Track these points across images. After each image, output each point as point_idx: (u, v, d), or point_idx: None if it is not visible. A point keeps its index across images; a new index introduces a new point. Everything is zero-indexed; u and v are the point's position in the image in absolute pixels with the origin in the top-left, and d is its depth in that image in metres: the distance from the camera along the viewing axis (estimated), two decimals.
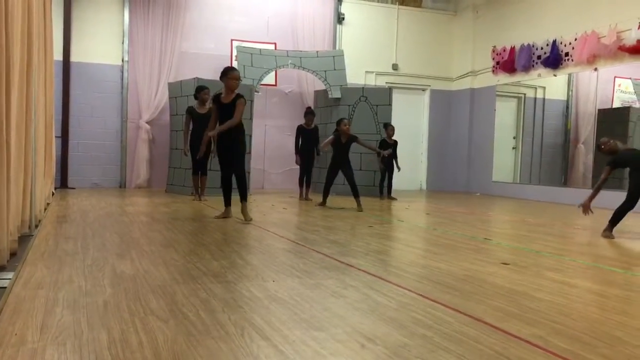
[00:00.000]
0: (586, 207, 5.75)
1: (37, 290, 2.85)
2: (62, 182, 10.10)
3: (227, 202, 6.29)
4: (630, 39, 8.85)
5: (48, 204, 6.96)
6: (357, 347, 2.14)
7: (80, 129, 10.33)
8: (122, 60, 10.54)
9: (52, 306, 2.58)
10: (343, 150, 7.95)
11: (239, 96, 5.95)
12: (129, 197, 8.73)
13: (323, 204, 7.96)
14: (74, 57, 10.22)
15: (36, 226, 4.97)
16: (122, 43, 10.53)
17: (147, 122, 10.55)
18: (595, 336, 2.36)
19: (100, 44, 10.43)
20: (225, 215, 6.23)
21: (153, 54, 10.59)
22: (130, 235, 4.83)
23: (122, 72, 10.55)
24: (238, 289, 3.01)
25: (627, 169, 5.85)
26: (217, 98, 6.04)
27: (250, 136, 9.84)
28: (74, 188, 10.05)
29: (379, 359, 2.03)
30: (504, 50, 11.64)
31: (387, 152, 9.25)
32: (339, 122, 8.05)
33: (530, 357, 2.08)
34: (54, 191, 8.57)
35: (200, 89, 8.34)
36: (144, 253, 3.99)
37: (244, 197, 6.12)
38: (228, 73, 6.01)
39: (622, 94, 10.58)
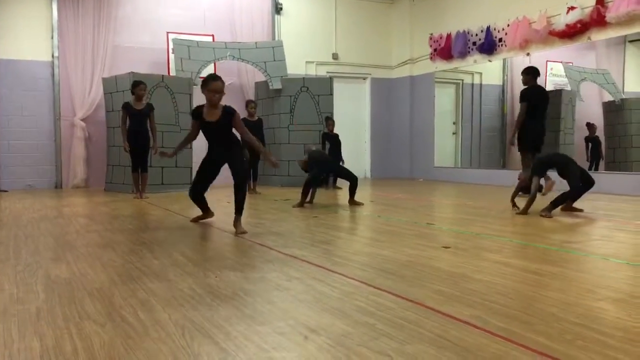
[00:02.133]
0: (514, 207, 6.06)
1: None
2: None
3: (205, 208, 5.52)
4: (559, 24, 9.16)
5: None
6: (300, 339, 2.13)
7: (10, 128, 9.89)
8: (52, 56, 10.15)
9: None
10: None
11: (230, 112, 4.92)
12: (65, 197, 8.43)
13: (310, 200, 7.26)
14: (0, 54, 9.76)
15: None
16: (52, 38, 10.13)
17: (82, 120, 10.21)
18: (531, 314, 2.43)
19: (28, 39, 10.00)
20: (205, 216, 5.54)
21: (85, 49, 10.24)
22: (66, 237, 4.66)
23: (53, 69, 10.15)
24: (179, 287, 2.94)
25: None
26: (198, 114, 5.01)
27: None
28: (6, 190, 9.63)
29: (322, 350, 2.02)
30: (441, 38, 11.84)
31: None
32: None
33: (468, 338, 2.12)
34: None
35: (136, 84, 8.10)
36: (81, 255, 3.85)
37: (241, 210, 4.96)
38: (208, 84, 4.84)
39: (554, 78, 10.96)
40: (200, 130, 5.09)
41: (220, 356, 1.98)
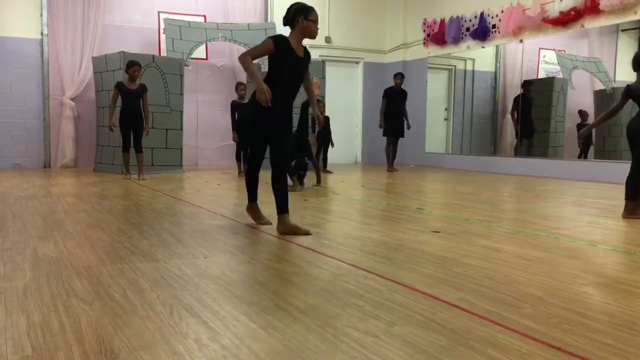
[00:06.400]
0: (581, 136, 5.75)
1: None
2: None
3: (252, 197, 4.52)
4: (553, 11, 9.14)
5: None
6: (288, 320, 2.13)
7: None
8: (42, 34, 9.99)
9: None
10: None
11: (309, 53, 4.19)
12: (54, 177, 8.37)
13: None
14: None
15: None
16: (41, 15, 9.97)
17: (71, 99, 10.09)
18: (518, 297, 2.45)
19: (17, 16, 9.84)
20: (258, 218, 4.47)
21: (75, 27, 10.10)
22: (54, 216, 4.63)
23: (42, 47, 10.01)
24: (168, 267, 2.93)
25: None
26: (286, 42, 3.96)
27: (182, 112, 9.60)
28: None
29: (310, 330, 2.02)
30: (434, 23, 11.78)
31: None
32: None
33: (456, 321, 2.13)
34: None
35: (131, 65, 7.92)
36: (69, 234, 3.83)
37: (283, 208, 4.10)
38: (309, 12, 3.96)
39: (546, 65, 10.96)
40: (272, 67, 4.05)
41: (208, 335, 1.97)
